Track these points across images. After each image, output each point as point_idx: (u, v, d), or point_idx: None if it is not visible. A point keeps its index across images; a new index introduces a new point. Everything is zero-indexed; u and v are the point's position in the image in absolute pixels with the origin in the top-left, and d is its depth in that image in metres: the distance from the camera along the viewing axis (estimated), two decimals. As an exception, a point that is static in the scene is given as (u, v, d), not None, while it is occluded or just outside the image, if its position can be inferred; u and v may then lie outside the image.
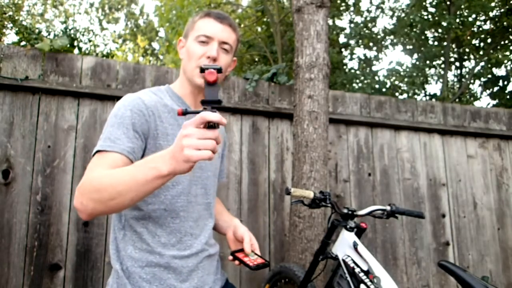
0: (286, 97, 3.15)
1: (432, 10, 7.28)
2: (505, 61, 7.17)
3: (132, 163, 1.00)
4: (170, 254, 1.10)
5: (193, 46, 1.14)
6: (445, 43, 7.32)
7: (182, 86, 1.21)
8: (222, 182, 1.43)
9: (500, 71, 7.61)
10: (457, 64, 8.21)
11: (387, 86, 7.55)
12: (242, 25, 8.05)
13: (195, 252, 1.14)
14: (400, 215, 1.92)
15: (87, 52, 4.86)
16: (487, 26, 7.27)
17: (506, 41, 7.13)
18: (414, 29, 7.24)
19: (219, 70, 0.81)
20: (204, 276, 1.16)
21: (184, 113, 0.81)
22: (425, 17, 7.14)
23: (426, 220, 3.33)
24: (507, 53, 7.26)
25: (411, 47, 7.89)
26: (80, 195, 0.94)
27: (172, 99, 1.18)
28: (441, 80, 8.01)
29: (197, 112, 0.79)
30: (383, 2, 8.21)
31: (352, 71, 7.86)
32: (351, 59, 8.43)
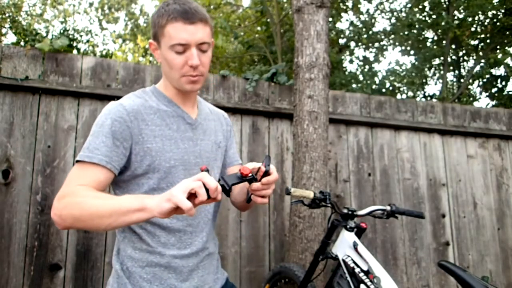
0: (286, 97, 3.15)
1: (430, 8, 7.28)
2: (505, 60, 7.17)
3: (112, 173, 1.04)
4: (170, 253, 1.10)
5: (171, 56, 1.07)
6: (444, 43, 7.32)
7: (167, 88, 1.18)
8: (239, 165, 1.36)
9: (499, 71, 7.62)
10: (456, 64, 8.21)
11: (386, 86, 7.55)
12: (242, 26, 8.05)
13: (195, 250, 1.14)
14: (400, 215, 1.93)
15: (85, 52, 4.86)
16: (486, 26, 7.27)
17: (506, 41, 7.14)
18: (413, 30, 7.24)
19: (253, 179, 0.97)
20: (205, 275, 1.17)
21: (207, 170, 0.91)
22: (424, 18, 7.15)
23: (426, 220, 3.33)
24: (507, 53, 7.27)
25: (410, 47, 7.89)
26: (60, 208, 0.95)
27: (158, 100, 1.16)
28: (440, 80, 8.01)
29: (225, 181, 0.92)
30: (381, 3, 8.21)
31: (352, 71, 7.86)
32: (350, 61, 8.43)
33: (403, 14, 7.75)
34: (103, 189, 1.04)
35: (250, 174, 0.94)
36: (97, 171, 1.02)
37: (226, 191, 0.92)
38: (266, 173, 1.02)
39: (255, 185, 1.00)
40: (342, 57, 8.07)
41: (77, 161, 1.04)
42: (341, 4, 7.90)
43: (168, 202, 0.83)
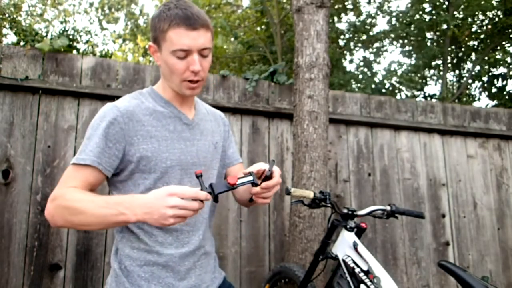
0: (286, 97, 3.15)
1: (430, 10, 7.28)
2: (505, 59, 7.17)
3: (103, 174, 1.06)
4: (168, 252, 1.11)
5: (172, 61, 1.08)
6: (443, 42, 7.32)
7: (166, 91, 1.18)
8: (239, 164, 1.38)
9: (499, 72, 7.61)
10: (456, 64, 8.20)
11: (386, 86, 7.55)
12: (242, 26, 8.05)
13: (192, 249, 1.15)
14: (400, 215, 1.93)
15: (85, 52, 4.86)
16: (486, 26, 7.27)
17: (506, 41, 7.13)
18: (413, 30, 7.24)
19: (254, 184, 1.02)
20: (202, 274, 1.18)
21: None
22: (424, 18, 7.14)
23: (426, 220, 3.33)
24: (507, 53, 7.27)
25: (409, 48, 7.89)
26: (52, 209, 1.01)
27: (155, 101, 1.16)
28: (440, 80, 8.01)
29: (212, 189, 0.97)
30: (382, 4, 8.21)
31: (351, 71, 7.86)
32: (350, 61, 8.43)
33: (403, 13, 7.74)
34: (93, 190, 1.07)
35: (238, 183, 0.99)
36: (89, 172, 1.05)
37: (214, 198, 0.96)
38: (267, 178, 1.05)
39: (255, 189, 1.05)
40: (344, 53, 8.06)
41: (72, 164, 1.06)
42: (341, 5, 7.90)
43: (163, 225, 0.93)
